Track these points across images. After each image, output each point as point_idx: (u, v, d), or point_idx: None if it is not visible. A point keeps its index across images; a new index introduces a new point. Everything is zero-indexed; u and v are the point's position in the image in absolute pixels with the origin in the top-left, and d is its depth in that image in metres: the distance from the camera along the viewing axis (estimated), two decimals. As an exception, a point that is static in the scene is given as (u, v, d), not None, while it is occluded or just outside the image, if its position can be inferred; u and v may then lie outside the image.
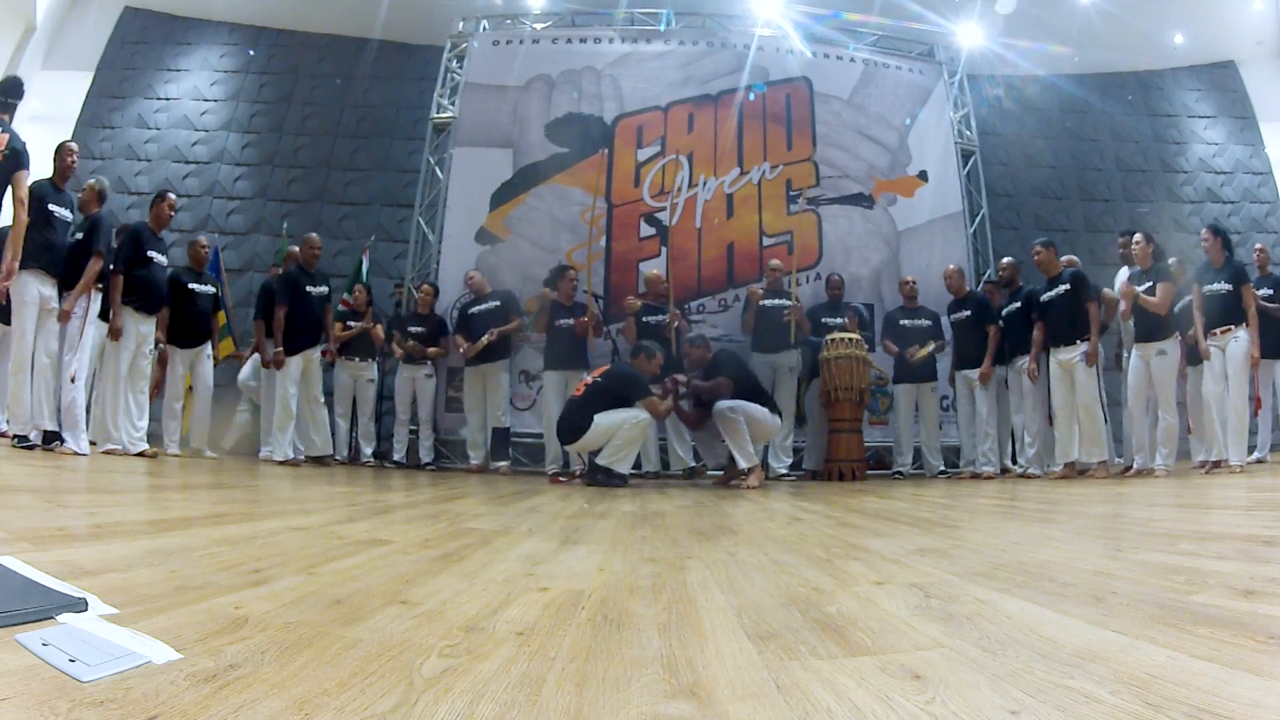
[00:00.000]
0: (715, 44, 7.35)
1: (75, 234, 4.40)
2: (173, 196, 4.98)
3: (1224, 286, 4.84)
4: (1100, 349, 5.06)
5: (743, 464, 4.61)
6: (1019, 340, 5.43)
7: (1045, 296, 5.24)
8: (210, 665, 0.68)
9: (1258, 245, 6.01)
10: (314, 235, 5.82)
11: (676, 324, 5.75)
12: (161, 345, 5.24)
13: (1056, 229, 8.02)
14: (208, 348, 5.52)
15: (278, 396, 5.41)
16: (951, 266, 6.12)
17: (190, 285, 5.33)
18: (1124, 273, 5.44)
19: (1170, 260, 5.33)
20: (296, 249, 5.81)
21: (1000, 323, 5.60)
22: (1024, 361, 5.34)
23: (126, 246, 4.65)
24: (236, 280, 7.64)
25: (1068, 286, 5.12)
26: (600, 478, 4.40)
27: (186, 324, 5.31)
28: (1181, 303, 5.06)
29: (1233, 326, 4.74)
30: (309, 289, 5.54)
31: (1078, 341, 5.04)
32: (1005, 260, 5.94)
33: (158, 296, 4.89)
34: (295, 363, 5.42)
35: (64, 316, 4.27)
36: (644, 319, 5.85)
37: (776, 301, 5.89)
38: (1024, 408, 5.49)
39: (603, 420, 4.43)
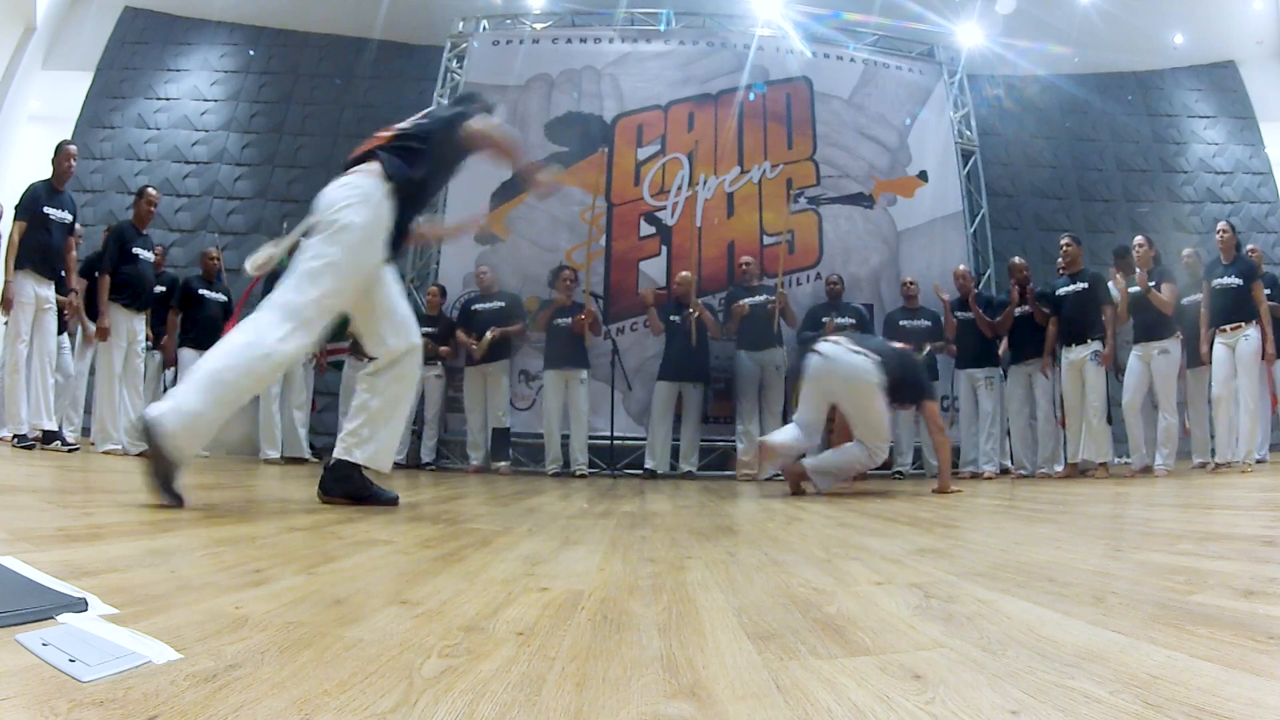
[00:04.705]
0: (715, 44, 7.35)
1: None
2: (152, 192, 4.98)
3: (1234, 281, 4.80)
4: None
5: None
6: (1030, 344, 5.44)
7: (1063, 291, 5.22)
8: (210, 665, 0.68)
9: (1251, 246, 6.00)
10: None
11: (698, 315, 5.75)
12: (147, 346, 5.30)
13: (1056, 229, 8.01)
14: None
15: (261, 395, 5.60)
16: (961, 267, 6.15)
17: (200, 291, 5.57)
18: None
19: (1186, 251, 5.32)
20: None
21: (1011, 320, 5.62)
22: (1037, 362, 5.37)
23: (112, 245, 4.69)
24: (236, 280, 7.63)
25: (1085, 285, 5.11)
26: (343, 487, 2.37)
27: (199, 329, 5.48)
28: (1189, 298, 5.07)
29: (1243, 324, 4.71)
30: None
31: (1089, 340, 5.04)
32: (1017, 260, 5.76)
33: (146, 293, 4.92)
34: None
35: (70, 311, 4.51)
36: (671, 317, 5.87)
37: (757, 298, 5.89)
38: (1030, 407, 5.48)
39: None
